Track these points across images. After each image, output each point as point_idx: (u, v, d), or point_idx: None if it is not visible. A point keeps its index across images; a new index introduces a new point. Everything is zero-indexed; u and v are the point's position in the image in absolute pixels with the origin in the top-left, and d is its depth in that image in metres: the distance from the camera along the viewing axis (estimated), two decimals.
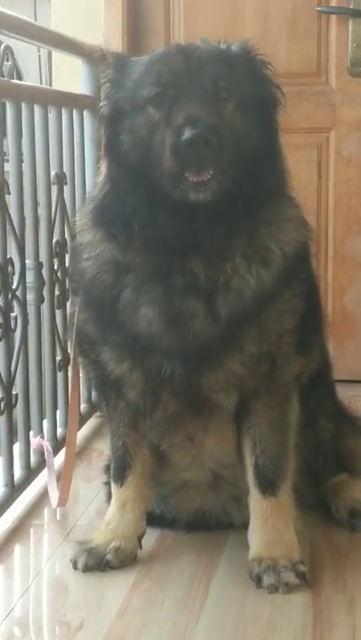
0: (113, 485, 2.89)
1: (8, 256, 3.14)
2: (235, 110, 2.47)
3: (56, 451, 3.64)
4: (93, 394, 4.16)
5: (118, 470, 2.86)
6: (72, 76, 4.30)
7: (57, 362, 3.71)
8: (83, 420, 4.04)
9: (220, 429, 2.76)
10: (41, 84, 7.00)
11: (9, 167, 3.26)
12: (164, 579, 2.73)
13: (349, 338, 4.61)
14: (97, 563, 2.76)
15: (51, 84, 4.32)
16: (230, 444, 2.80)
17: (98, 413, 4.20)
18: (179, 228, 2.49)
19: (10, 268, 3.16)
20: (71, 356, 3.07)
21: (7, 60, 3.16)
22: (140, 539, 2.84)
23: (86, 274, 2.66)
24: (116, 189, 2.56)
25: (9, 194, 3.20)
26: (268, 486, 2.74)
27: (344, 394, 4.44)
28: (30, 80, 7.11)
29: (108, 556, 2.77)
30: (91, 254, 2.66)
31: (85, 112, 4.07)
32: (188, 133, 2.34)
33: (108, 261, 2.62)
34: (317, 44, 4.49)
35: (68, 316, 3.68)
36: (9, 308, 3.14)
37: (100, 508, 3.23)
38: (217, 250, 2.53)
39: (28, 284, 3.35)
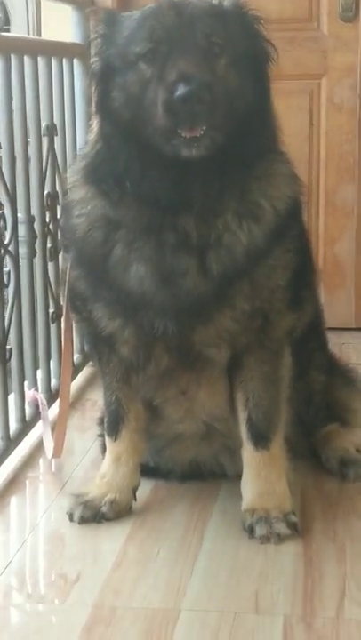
0: (107, 439, 2.93)
1: (0, 212, 3.15)
2: (227, 66, 2.47)
3: (50, 402, 3.68)
4: (86, 344, 4.19)
5: (112, 424, 2.90)
6: (61, 23, 4.27)
7: (50, 314, 3.73)
8: (76, 370, 4.07)
9: (212, 383, 2.80)
10: (29, 33, 6.93)
11: None
12: (159, 530, 2.78)
13: (340, 286, 4.63)
14: (93, 515, 2.81)
15: (39, 33, 4.28)
16: (223, 398, 2.84)
17: (91, 363, 4.23)
18: (171, 185, 2.50)
19: (2, 223, 3.17)
20: (64, 310, 3.09)
21: None
22: (134, 491, 2.89)
23: (77, 231, 2.67)
24: (107, 147, 2.55)
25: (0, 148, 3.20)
26: (260, 439, 2.78)
27: (335, 341, 4.50)
28: (18, 29, 7.05)
29: (104, 509, 2.82)
30: (82, 211, 2.67)
31: (75, 60, 4.04)
32: (181, 90, 2.34)
33: (100, 218, 2.63)
34: None
35: (60, 269, 3.70)
36: (1, 263, 3.15)
37: (94, 459, 3.27)
38: (208, 207, 2.54)
39: (20, 238, 3.36)
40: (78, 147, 3.98)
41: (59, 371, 3.79)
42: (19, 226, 3.33)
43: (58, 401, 3.60)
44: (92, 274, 2.69)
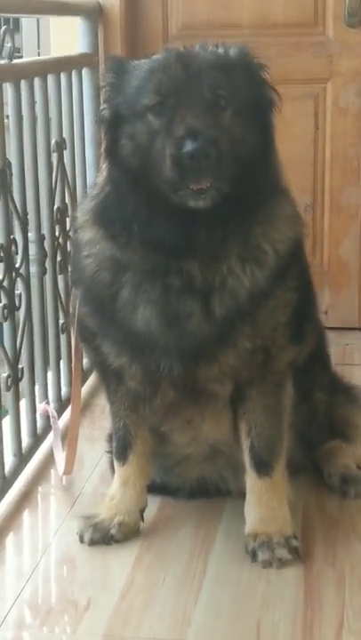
0: (115, 463, 3.04)
1: (12, 236, 3.24)
2: (233, 117, 2.54)
3: (60, 411, 3.80)
4: (95, 372, 4.27)
5: (120, 449, 3.02)
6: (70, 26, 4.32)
7: (60, 325, 3.83)
8: (85, 375, 4.17)
9: (216, 414, 2.90)
10: (39, 42, 6.95)
11: (9, 143, 3.33)
12: (165, 554, 2.90)
13: (345, 287, 4.72)
14: (102, 537, 2.94)
15: (48, 43, 4.34)
16: (227, 427, 2.94)
17: None
18: (177, 232, 2.59)
19: (13, 248, 3.26)
20: (73, 343, 3.20)
21: (7, 43, 3.20)
22: (141, 512, 3.01)
23: (86, 270, 2.76)
24: (116, 191, 2.64)
25: (11, 174, 3.28)
26: (262, 467, 2.89)
27: (339, 342, 4.61)
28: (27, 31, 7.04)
29: (113, 531, 2.94)
30: (91, 251, 2.76)
31: (84, 70, 4.11)
32: (188, 146, 2.42)
33: (108, 259, 2.72)
34: None
35: (69, 283, 3.80)
36: (13, 288, 3.24)
37: (103, 472, 3.39)
38: (213, 252, 2.63)
39: (30, 257, 3.45)
40: (87, 160, 4.08)
41: (69, 378, 3.91)
42: (29, 245, 3.43)
43: (68, 409, 3.74)
44: (99, 313, 2.78)
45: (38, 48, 7.14)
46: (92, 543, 2.93)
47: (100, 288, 2.74)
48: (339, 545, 2.93)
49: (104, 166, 2.70)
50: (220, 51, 2.65)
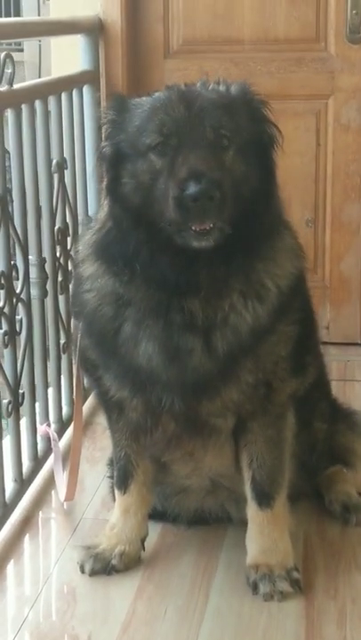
0: (116, 492, 3.04)
1: (12, 262, 3.23)
2: (235, 156, 2.53)
3: (61, 433, 3.79)
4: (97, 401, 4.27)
5: (121, 479, 3.01)
6: (72, 44, 4.30)
7: (61, 345, 3.82)
8: (86, 393, 4.13)
9: (218, 447, 2.90)
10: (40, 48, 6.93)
11: (10, 167, 3.32)
12: (166, 585, 2.89)
13: (346, 302, 4.71)
14: (103, 567, 2.94)
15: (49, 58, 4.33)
16: (228, 459, 2.94)
17: None
18: (179, 270, 2.58)
19: (14, 273, 3.25)
20: (74, 371, 3.19)
21: (7, 69, 3.18)
22: (143, 541, 3.01)
23: (88, 305, 2.76)
24: (117, 228, 2.63)
25: (12, 201, 3.27)
26: (264, 499, 2.89)
27: (340, 357, 4.61)
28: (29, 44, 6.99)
29: (114, 561, 2.94)
30: (92, 286, 2.75)
31: (85, 87, 4.09)
32: (192, 189, 2.41)
33: (110, 294, 2.71)
34: (316, 11, 4.47)
35: (70, 302, 3.80)
36: (14, 314, 3.24)
37: (105, 497, 3.39)
38: (215, 290, 2.62)
39: (31, 280, 3.44)
40: (88, 178, 4.06)
41: (69, 398, 3.90)
42: (30, 268, 3.42)
43: (69, 432, 3.74)
44: (101, 346, 2.77)
45: (39, 56, 7.14)
46: (93, 573, 2.93)
47: (102, 322, 2.73)
48: (340, 576, 2.93)
49: (105, 202, 2.68)
50: (222, 88, 2.64)
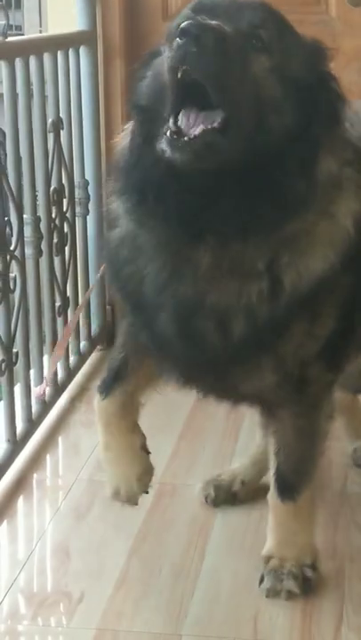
0: (95, 400, 2.68)
1: (6, 218, 3.18)
2: (267, 68, 2.11)
3: (56, 398, 3.74)
4: (93, 328, 4.24)
5: (106, 382, 2.65)
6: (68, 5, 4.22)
7: (57, 308, 3.76)
8: (83, 358, 4.12)
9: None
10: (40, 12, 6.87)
11: (4, 123, 3.27)
12: (161, 544, 2.84)
13: None
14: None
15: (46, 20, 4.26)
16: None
17: (99, 347, 4.28)
18: (191, 206, 2.15)
19: (7, 230, 3.20)
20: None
21: (1, 20, 3.12)
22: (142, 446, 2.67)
23: (110, 243, 2.42)
24: (134, 145, 2.24)
25: (5, 155, 3.21)
26: (287, 491, 2.61)
27: None
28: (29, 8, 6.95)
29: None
30: (114, 223, 2.39)
31: (82, 48, 4.03)
32: (185, 23, 2.00)
33: (127, 235, 2.35)
34: None
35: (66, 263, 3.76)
36: (7, 271, 3.17)
37: (99, 459, 3.32)
38: (223, 245, 2.20)
39: (25, 239, 3.38)
40: (85, 140, 4.01)
41: (65, 363, 3.85)
42: (25, 226, 3.36)
43: (64, 397, 3.71)
44: (123, 293, 2.45)
45: (40, 26, 7.07)
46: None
47: (122, 268, 2.38)
48: (339, 536, 2.88)
49: (126, 126, 2.34)
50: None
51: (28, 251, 3.42)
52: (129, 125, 2.31)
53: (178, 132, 2.05)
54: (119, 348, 2.66)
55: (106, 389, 2.64)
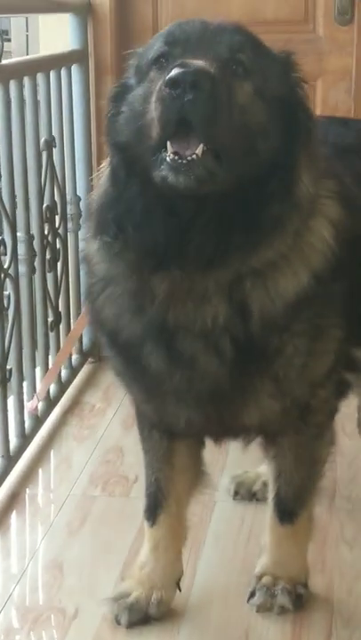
0: (145, 524, 2.70)
1: (0, 237, 3.23)
2: (250, 94, 2.11)
3: (48, 412, 3.79)
4: (85, 341, 4.29)
5: (150, 509, 2.67)
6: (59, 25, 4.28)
7: (49, 323, 3.82)
8: (74, 371, 4.17)
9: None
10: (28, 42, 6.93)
11: None
12: None
13: None
14: (141, 618, 2.60)
15: (37, 40, 4.32)
16: None
17: (90, 360, 4.33)
18: (167, 236, 2.15)
19: (1, 248, 3.25)
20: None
21: None
22: (178, 582, 2.68)
23: (89, 288, 2.44)
24: (113, 181, 2.22)
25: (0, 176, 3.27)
26: (286, 515, 2.63)
27: None
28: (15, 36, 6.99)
29: (151, 611, 2.61)
30: (93, 268, 2.40)
31: (74, 67, 4.09)
32: (173, 71, 1.96)
33: (104, 278, 2.36)
34: None
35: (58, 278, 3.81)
36: (2, 289, 3.23)
37: (92, 473, 3.39)
38: (198, 273, 2.19)
39: (19, 257, 3.43)
40: (77, 157, 4.06)
41: (57, 376, 3.90)
42: (18, 244, 3.41)
43: (56, 411, 3.76)
44: (106, 338, 2.45)
45: (27, 54, 7.10)
46: (131, 625, 2.59)
47: (103, 311, 2.38)
48: (328, 551, 2.93)
49: (104, 162, 2.33)
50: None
51: (22, 268, 3.48)
52: (105, 163, 2.31)
53: (178, 154, 2.03)
54: (149, 469, 2.66)
55: (152, 517, 2.66)
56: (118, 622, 2.59)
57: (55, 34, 4.25)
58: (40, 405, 3.70)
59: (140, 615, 2.59)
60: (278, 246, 2.21)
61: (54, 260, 3.81)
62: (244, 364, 2.27)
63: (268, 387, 2.33)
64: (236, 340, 2.25)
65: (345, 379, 2.58)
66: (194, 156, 2.02)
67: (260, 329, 2.25)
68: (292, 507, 2.61)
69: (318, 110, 4.54)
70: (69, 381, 4.10)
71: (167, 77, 1.97)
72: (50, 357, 3.85)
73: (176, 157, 2.02)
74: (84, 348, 4.29)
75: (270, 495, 2.64)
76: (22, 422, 3.51)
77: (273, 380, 2.32)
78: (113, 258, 2.28)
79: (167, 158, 2.03)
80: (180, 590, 2.67)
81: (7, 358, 3.32)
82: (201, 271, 2.18)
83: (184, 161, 2.02)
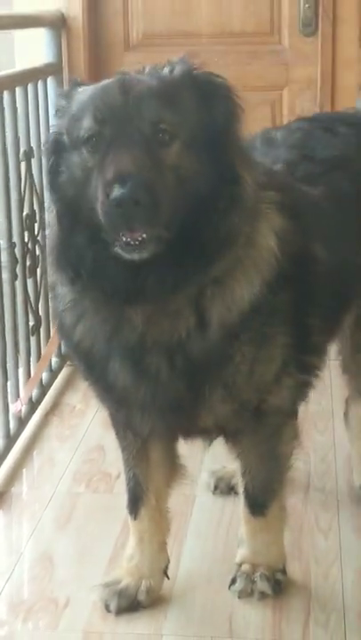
0: (129, 518, 2.84)
1: None
2: (181, 152, 2.26)
3: (30, 414, 3.92)
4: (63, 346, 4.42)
5: (131, 502, 2.82)
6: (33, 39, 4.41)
7: (30, 327, 3.95)
8: (54, 374, 4.31)
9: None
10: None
11: None
12: None
13: None
14: (130, 604, 2.74)
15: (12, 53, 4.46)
16: None
17: (69, 363, 4.45)
18: (127, 278, 2.30)
19: None
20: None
21: None
22: (164, 571, 2.82)
23: (57, 312, 2.60)
24: (60, 227, 2.39)
25: None
26: (257, 507, 2.77)
27: None
28: None
29: (140, 597, 2.75)
30: (56, 291, 2.57)
31: (49, 79, 4.22)
32: (115, 192, 2.16)
33: (70, 301, 2.51)
34: (270, 5, 4.60)
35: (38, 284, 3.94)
36: None
37: (76, 471, 3.53)
38: (163, 304, 2.36)
39: (2, 264, 3.57)
40: None
41: (40, 380, 4.04)
42: (1, 252, 3.55)
43: (39, 413, 3.88)
44: (76, 356, 2.60)
45: None
46: (120, 611, 2.73)
47: (68, 328, 2.54)
48: (304, 539, 3.08)
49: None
50: (166, 71, 2.36)
51: (5, 275, 3.61)
52: (53, 211, 2.43)
53: (128, 243, 2.21)
54: (127, 466, 2.80)
55: (133, 510, 2.81)
56: (108, 608, 2.74)
57: (29, 48, 4.38)
58: (23, 408, 3.83)
59: (129, 601, 2.74)
60: (236, 251, 2.35)
61: (34, 266, 3.94)
62: (199, 372, 2.43)
63: (218, 392, 2.48)
64: (195, 349, 2.40)
65: (306, 381, 2.69)
66: (144, 235, 2.20)
67: (219, 337, 2.41)
68: (261, 500, 2.76)
69: (285, 119, 4.71)
70: (50, 384, 4.23)
71: (111, 198, 2.15)
72: (31, 359, 3.99)
73: (128, 240, 2.21)
74: (62, 351, 4.42)
75: (240, 490, 2.79)
76: (7, 423, 3.64)
77: (222, 387, 2.48)
78: (78, 293, 2.44)
79: (120, 243, 2.22)
80: (168, 578, 2.83)
81: None
82: (169, 295, 2.33)
83: (136, 242, 2.21)
